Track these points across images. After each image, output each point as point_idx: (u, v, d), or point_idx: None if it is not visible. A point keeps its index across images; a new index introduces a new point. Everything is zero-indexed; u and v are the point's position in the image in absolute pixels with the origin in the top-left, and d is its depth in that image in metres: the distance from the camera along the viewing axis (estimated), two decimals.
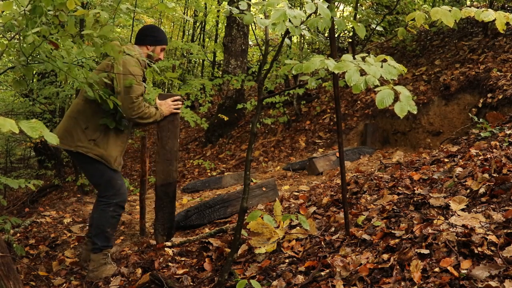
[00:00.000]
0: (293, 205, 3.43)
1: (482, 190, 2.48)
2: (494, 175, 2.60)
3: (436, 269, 1.84)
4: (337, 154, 4.78)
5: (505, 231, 1.96)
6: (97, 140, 2.91)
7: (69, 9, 2.08)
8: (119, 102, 2.75)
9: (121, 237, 3.71)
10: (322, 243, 2.48)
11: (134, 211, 4.65)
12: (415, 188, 2.91)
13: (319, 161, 5.27)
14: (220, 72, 9.94)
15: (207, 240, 3.02)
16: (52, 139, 1.56)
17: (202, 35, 12.68)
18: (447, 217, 2.31)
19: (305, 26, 2.16)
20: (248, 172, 2.19)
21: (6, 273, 2.02)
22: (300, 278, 2.15)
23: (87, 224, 3.89)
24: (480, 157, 3.07)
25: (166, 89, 11.67)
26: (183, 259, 2.91)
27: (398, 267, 1.95)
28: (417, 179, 3.12)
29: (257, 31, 11.79)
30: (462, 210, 2.36)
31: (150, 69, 2.80)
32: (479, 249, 1.88)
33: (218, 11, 9.87)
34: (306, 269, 2.24)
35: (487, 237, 1.93)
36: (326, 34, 8.24)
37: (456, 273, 1.77)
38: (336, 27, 2.38)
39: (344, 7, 10.73)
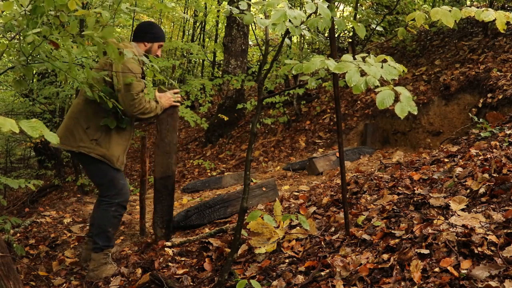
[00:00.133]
0: (293, 205, 3.43)
1: (482, 190, 2.48)
2: (494, 175, 2.60)
3: (436, 269, 1.84)
4: (337, 154, 4.78)
5: (505, 231, 1.96)
6: (99, 140, 2.90)
7: (70, 9, 2.08)
8: (119, 105, 2.76)
9: (121, 237, 3.71)
10: (322, 243, 2.48)
11: (134, 211, 4.65)
12: (415, 188, 2.91)
13: (319, 161, 5.27)
14: (220, 72, 9.94)
15: (207, 240, 3.02)
16: (53, 138, 1.56)
17: (202, 35, 12.67)
18: (447, 217, 2.31)
19: (305, 26, 2.16)
20: (248, 172, 2.19)
21: (6, 273, 2.02)
22: (300, 278, 2.15)
23: (87, 224, 3.89)
24: (480, 157, 3.07)
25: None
26: (183, 259, 2.91)
27: (398, 267, 1.95)
28: (417, 179, 3.12)
29: (257, 31, 11.79)
30: (462, 210, 2.36)
31: (151, 68, 2.80)
32: (479, 249, 1.88)
33: (218, 11, 9.87)
34: (306, 269, 2.24)
35: (487, 237, 1.93)
36: (326, 34, 8.24)
37: (456, 273, 1.77)
38: (336, 27, 2.38)
39: (344, 7, 10.73)
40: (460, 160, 3.28)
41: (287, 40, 2.30)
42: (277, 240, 2.66)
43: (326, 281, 2.06)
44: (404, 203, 2.70)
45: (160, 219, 3.23)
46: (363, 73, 1.73)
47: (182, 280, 2.56)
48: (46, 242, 3.73)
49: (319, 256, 2.33)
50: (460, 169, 2.97)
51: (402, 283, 1.85)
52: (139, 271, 2.84)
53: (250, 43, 10.24)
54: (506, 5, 7.19)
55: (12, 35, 2.49)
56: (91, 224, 3.14)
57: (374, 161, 5.23)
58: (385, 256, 2.08)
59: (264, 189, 4.01)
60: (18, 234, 3.94)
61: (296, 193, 3.95)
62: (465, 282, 1.72)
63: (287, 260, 2.42)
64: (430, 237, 2.06)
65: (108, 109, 2.86)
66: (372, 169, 4.14)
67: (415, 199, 2.67)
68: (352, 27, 7.12)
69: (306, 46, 9.63)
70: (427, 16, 2.20)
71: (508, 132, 3.63)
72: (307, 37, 7.87)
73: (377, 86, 1.69)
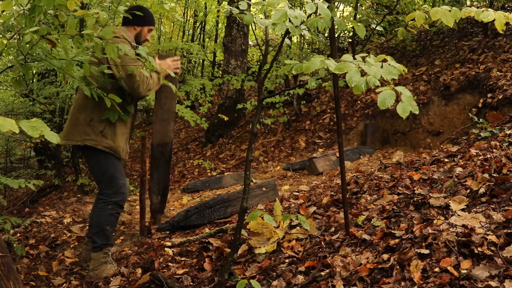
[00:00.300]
0: (293, 205, 3.43)
1: (482, 190, 2.48)
2: (494, 175, 2.60)
3: (436, 269, 1.84)
4: (337, 154, 4.78)
5: (505, 231, 1.96)
6: (105, 131, 2.92)
7: (69, 9, 2.08)
8: (117, 99, 2.75)
9: (121, 237, 3.71)
10: (322, 243, 2.48)
11: (134, 211, 4.65)
12: (415, 188, 2.91)
13: (319, 161, 5.27)
14: (220, 72, 9.94)
15: (207, 240, 3.02)
16: (53, 138, 1.56)
17: (202, 35, 12.67)
18: (447, 217, 2.31)
19: (305, 26, 2.16)
20: (248, 172, 2.19)
21: (6, 273, 2.02)
22: (300, 278, 2.15)
23: (87, 224, 3.89)
24: (480, 157, 3.07)
25: None
26: (183, 259, 2.91)
27: (398, 267, 1.95)
28: (417, 179, 3.12)
29: (257, 31, 11.79)
30: (462, 210, 2.36)
31: (149, 65, 2.80)
32: (479, 249, 1.88)
33: (218, 11, 9.87)
34: (306, 269, 2.24)
35: (487, 237, 1.93)
36: (326, 34, 8.24)
37: (456, 273, 1.77)
38: (336, 27, 2.38)
39: (344, 7, 10.73)
40: (460, 160, 3.28)
41: (287, 40, 2.30)
42: (277, 240, 2.66)
43: (326, 281, 2.06)
44: (404, 203, 2.70)
45: (157, 186, 3.24)
46: (363, 73, 1.73)
47: (182, 280, 2.56)
48: (46, 242, 3.73)
49: (319, 256, 2.33)
50: (460, 169, 2.97)
51: (402, 283, 1.85)
52: (139, 271, 2.84)
53: (250, 43, 10.23)
54: (506, 5, 7.19)
55: (11, 35, 2.49)
56: (90, 225, 3.14)
57: (374, 161, 5.23)
58: (385, 256, 2.08)
59: (264, 189, 4.01)
60: (18, 234, 3.94)
61: (296, 193, 3.95)
62: (465, 282, 1.72)
63: (287, 260, 2.42)
64: (430, 237, 2.06)
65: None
66: (372, 169, 4.14)
67: (415, 199, 2.67)
68: (352, 27, 7.12)
69: (306, 46, 9.63)
70: (427, 16, 2.20)
71: (508, 132, 3.63)
72: (307, 37, 7.87)
73: (378, 86, 1.69)
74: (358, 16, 7.42)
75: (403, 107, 1.63)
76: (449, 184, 2.78)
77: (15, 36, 2.45)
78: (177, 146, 9.31)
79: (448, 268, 1.81)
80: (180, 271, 2.68)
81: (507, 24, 2.17)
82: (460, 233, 2.01)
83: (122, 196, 3.00)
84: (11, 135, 8.51)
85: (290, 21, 2.03)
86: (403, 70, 1.86)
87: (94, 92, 2.64)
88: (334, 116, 6.97)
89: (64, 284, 2.95)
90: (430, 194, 2.67)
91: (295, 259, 2.42)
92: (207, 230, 3.44)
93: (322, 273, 2.12)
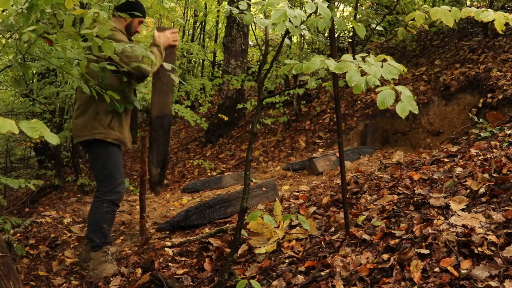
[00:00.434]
0: (293, 205, 3.43)
1: (482, 190, 2.48)
2: (494, 175, 2.60)
3: (436, 269, 1.84)
4: (337, 154, 4.78)
5: (505, 231, 1.96)
6: (112, 124, 2.97)
7: (67, 8, 2.08)
8: (115, 96, 2.77)
9: (121, 237, 3.71)
10: (322, 243, 2.48)
11: (134, 211, 4.65)
12: (415, 188, 2.91)
13: (319, 161, 5.27)
14: (220, 72, 9.94)
15: (207, 240, 3.02)
16: (53, 139, 1.56)
17: (202, 35, 12.68)
18: (447, 217, 2.31)
19: (305, 26, 2.16)
20: (248, 172, 2.19)
21: (6, 273, 2.02)
22: (300, 278, 2.15)
23: (87, 224, 3.89)
24: (480, 157, 3.07)
25: None
26: (183, 259, 2.91)
27: (398, 267, 1.95)
28: (417, 179, 3.12)
29: (257, 31, 11.79)
30: (462, 210, 2.36)
31: (147, 60, 2.81)
32: (479, 249, 1.88)
33: (218, 11, 9.87)
34: (306, 269, 2.24)
35: (487, 237, 1.93)
36: (326, 34, 8.24)
37: (456, 273, 1.77)
38: (336, 27, 2.38)
39: (344, 7, 10.73)
40: (460, 160, 3.28)
41: (287, 40, 2.30)
42: (277, 240, 2.66)
43: (326, 281, 2.06)
44: (404, 203, 2.70)
45: (156, 158, 3.24)
46: (363, 73, 1.73)
47: (182, 280, 2.56)
48: (46, 242, 3.73)
49: (319, 256, 2.33)
50: (460, 169, 2.97)
51: (402, 283, 1.85)
52: (139, 271, 2.84)
53: (250, 43, 10.24)
54: (506, 5, 7.19)
55: (10, 34, 2.49)
56: (88, 225, 3.14)
57: (374, 161, 5.23)
58: (385, 256, 2.08)
59: (264, 189, 4.01)
60: (18, 234, 3.94)
61: (296, 193, 3.95)
62: (465, 282, 1.72)
63: (287, 260, 2.42)
64: (430, 237, 2.06)
65: (113, 90, 2.88)
66: (372, 169, 4.14)
67: (415, 199, 2.67)
68: (352, 27, 7.12)
69: (306, 46, 9.63)
70: (427, 16, 2.20)
71: (508, 132, 3.63)
72: (307, 37, 7.87)
73: (378, 86, 1.69)
74: (358, 16, 7.42)
75: (402, 107, 1.63)
76: (449, 184, 2.78)
77: (14, 35, 2.44)
78: (177, 146, 9.32)
79: (448, 268, 1.81)
80: (180, 271, 2.68)
81: (506, 24, 2.17)
82: (460, 233, 2.01)
83: (118, 195, 3.01)
84: (11, 135, 8.51)
85: (290, 21, 2.03)
86: (403, 70, 1.85)
87: (93, 89, 2.65)
88: (334, 116, 6.97)
89: (64, 284, 2.94)
90: (430, 194, 2.67)
91: (295, 259, 2.42)
92: (207, 230, 3.44)
93: (322, 273, 2.12)
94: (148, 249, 3.22)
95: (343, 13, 10.86)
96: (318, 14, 2.07)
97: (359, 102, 6.97)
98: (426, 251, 1.97)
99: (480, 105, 5.32)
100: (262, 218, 2.37)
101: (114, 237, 3.67)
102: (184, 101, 7.26)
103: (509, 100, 4.93)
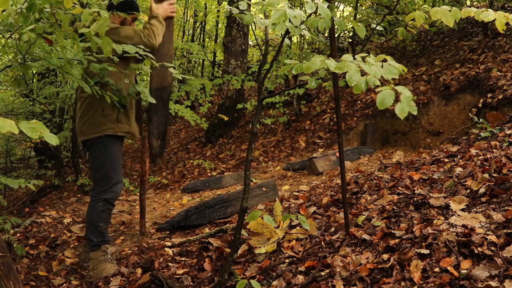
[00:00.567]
0: (293, 205, 3.43)
1: (482, 190, 2.48)
2: (494, 175, 2.60)
3: (436, 269, 1.84)
4: (337, 154, 4.78)
5: (505, 231, 1.96)
6: (120, 117, 2.99)
7: (66, 7, 2.08)
8: (115, 97, 2.77)
9: (121, 237, 3.71)
10: (322, 243, 2.48)
11: (134, 211, 4.65)
12: (415, 188, 2.91)
13: (319, 161, 5.27)
14: (220, 72, 9.94)
15: (207, 240, 3.02)
16: (52, 140, 1.56)
17: (202, 35, 12.68)
18: (447, 217, 2.31)
19: (305, 26, 2.16)
20: (248, 172, 2.19)
21: (6, 273, 2.02)
22: (300, 278, 2.15)
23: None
24: (480, 157, 3.07)
25: None
26: (183, 259, 2.91)
27: (398, 267, 1.95)
28: (417, 179, 3.12)
29: (257, 31, 11.79)
30: (462, 210, 2.36)
31: (148, 62, 2.82)
32: (479, 249, 1.88)
33: (218, 11, 9.87)
34: (306, 269, 2.24)
35: (487, 237, 1.93)
36: (326, 34, 8.24)
37: (456, 273, 1.77)
38: (336, 27, 2.38)
39: (344, 7, 10.73)
40: (460, 160, 3.28)
41: (287, 40, 2.30)
42: (277, 240, 2.66)
43: (326, 281, 2.06)
44: (404, 203, 2.70)
45: (156, 130, 3.25)
46: (363, 73, 1.73)
47: (182, 280, 2.56)
48: (46, 242, 3.73)
49: (319, 256, 2.33)
50: (460, 169, 2.97)
51: (402, 283, 1.85)
52: (139, 271, 2.84)
53: (250, 43, 10.24)
54: (506, 5, 7.19)
55: (10, 34, 2.49)
56: (86, 225, 3.15)
57: (374, 161, 5.23)
58: (385, 256, 2.08)
59: (264, 189, 4.01)
60: (18, 234, 3.94)
61: (296, 193, 3.95)
62: (465, 282, 1.72)
63: (287, 260, 2.42)
64: (430, 237, 2.05)
65: (114, 88, 2.90)
66: (372, 169, 4.14)
67: (415, 199, 2.67)
68: (352, 27, 7.11)
69: (306, 46, 9.63)
70: (427, 16, 2.20)
71: (508, 132, 3.63)
72: (307, 37, 7.87)
73: (378, 86, 1.69)
74: (358, 16, 7.42)
75: (401, 108, 1.63)
76: (449, 184, 2.78)
77: (14, 35, 2.44)
78: (177, 146, 9.32)
79: (448, 268, 1.81)
80: (180, 271, 2.68)
81: (507, 24, 2.17)
82: (460, 233, 2.01)
83: (113, 194, 3.02)
84: (11, 135, 8.51)
85: (290, 21, 2.03)
86: (403, 70, 1.85)
87: (94, 90, 2.65)
88: (334, 116, 6.97)
89: (64, 284, 2.94)
90: (430, 194, 2.67)
91: (295, 259, 2.42)
92: (207, 230, 3.44)
93: (322, 273, 2.12)
94: (148, 249, 3.22)
95: (343, 13, 10.86)
96: (318, 14, 2.07)
97: (359, 102, 6.97)
98: (426, 251, 1.97)
99: (480, 105, 5.32)
100: (262, 218, 2.36)
101: (114, 237, 3.67)
102: (184, 101, 7.27)
103: (509, 100, 4.93)
